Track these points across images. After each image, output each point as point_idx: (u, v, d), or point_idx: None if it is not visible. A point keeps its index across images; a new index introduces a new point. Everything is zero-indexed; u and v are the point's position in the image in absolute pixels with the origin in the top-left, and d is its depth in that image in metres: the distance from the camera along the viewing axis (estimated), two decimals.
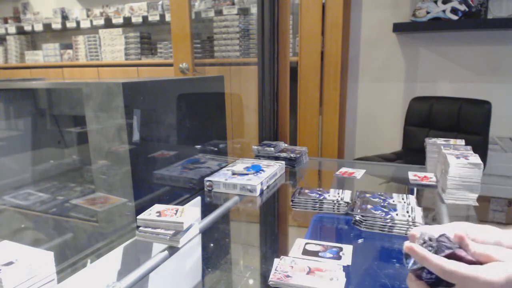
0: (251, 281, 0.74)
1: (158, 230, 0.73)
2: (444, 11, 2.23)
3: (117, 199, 0.95)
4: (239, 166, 1.27)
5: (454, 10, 2.20)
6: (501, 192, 2.11)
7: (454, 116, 2.16)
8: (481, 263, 0.48)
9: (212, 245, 0.87)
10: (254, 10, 2.73)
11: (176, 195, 1.11)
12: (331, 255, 0.76)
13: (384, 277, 0.52)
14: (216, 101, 1.35)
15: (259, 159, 1.43)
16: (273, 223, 1.09)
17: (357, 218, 0.90)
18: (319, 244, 0.81)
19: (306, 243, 0.81)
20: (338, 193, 1.05)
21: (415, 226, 0.84)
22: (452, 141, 1.34)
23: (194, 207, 1.00)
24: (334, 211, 0.99)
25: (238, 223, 1.06)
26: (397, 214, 0.87)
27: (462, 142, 1.32)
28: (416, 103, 2.32)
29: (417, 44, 2.47)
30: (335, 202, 0.99)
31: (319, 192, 1.05)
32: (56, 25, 3.60)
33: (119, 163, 0.91)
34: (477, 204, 1.00)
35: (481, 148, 2.01)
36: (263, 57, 1.63)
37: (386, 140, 2.60)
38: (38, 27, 3.69)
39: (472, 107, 2.12)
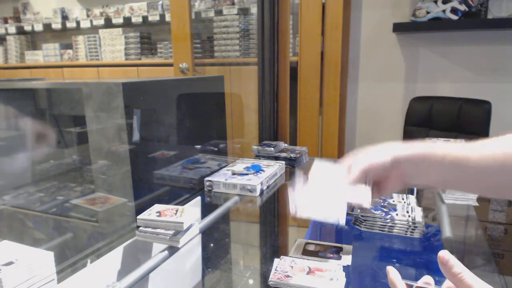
0: (251, 281, 0.74)
1: (158, 230, 0.73)
2: (444, 11, 2.23)
3: (117, 199, 0.95)
4: (239, 166, 1.27)
5: (454, 10, 2.20)
6: None
7: (454, 116, 2.16)
8: None
9: (212, 245, 0.87)
10: (254, 10, 2.73)
11: (176, 195, 1.11)
12: (331, 255, 0.76)
13: (384, 277, 0.52)
14: (216, 101, 1.35)
15: (259, 159, 1.43)
16: (273, 223, 1.09)
17: (357, 218, 0.90)
18: (319, 244, 0.81)
19: (306, 243, 0.81)
20: None
21: (415, 226, 0.84)
22: (452, 141, 1.34)
23: (194, 207, 1.00)
24: None
25: (238, 223, 1.06)
26: (397, 214, 0.88)
27: (462, 142, 1.31)
28: (416, 103, 2.32)
29: (417, 44, 2.47)
30: None
31: None
32: (56, 25, 3.60)
33: (119, 163, 0.91)
34: (477, 204, 1.00)
35: None
36: (263, 57, 1.63)
37: (386, 140, 2.57)
38: (38, 27, 3.69)
39: (472, 107, 2.12)
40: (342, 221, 0.68)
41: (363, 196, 0.66)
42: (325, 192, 0.70)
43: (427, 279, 0.49)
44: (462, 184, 0.66)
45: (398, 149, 0.66)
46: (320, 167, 0.74)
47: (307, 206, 0.69)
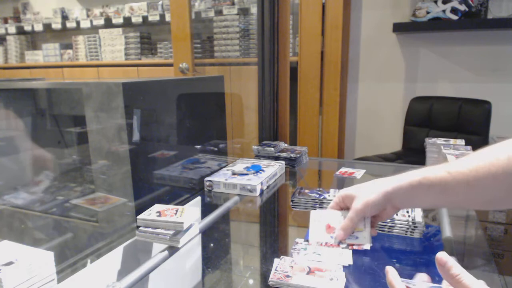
0: (251, 281, 0.74)
1: (158, 230, 0.73)
2: (444, 11, 2.23)
3: (117, 199, 0.95)
4: (239, 166, 1.27)
5: (454, 10, 2.20)
6: None
7: (454, 116, 2.16)
8: None
9: (212, 245, 0.87)
10: (254, 10, 2.73)
11: (176, 195, 1.11)
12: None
13: (384, 277, 0.52)
14: (216, 101, 1.35)
15: (259, 159, 1.43)
16: (273, 223, 1.09)
17: None
18: None
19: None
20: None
21: (415, 226, 0.84)
22: (452, 141, 1.34)
23: (194, 207, 1.00)
24: None
25: (238, 223, 1.06)
26: (397, 214, 0.87)
27: (462, 142, 1.32)
28: (416, 103, 2.32)
29: (417, 44, 2.47)
30: None
31: (319, 192, 1.05)
32: (56, 25, 3.60)
33: (119, 163, 0.91)
34: None
35: (481, 148, 2.01)
36: (263, 57, 1.63)
37: (386, 140, 2.60)
38: (38, 27, 3.70)
39: (472, 107, 2.12)
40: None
41: (363, 238, 0.71)
42: (327, 240, 0.75)
43: (422, 277, 0.50)
44: (456, 203, 0.69)
45: (386, 183, 0.70)
46: (317, 217, 0.78)
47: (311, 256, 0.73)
